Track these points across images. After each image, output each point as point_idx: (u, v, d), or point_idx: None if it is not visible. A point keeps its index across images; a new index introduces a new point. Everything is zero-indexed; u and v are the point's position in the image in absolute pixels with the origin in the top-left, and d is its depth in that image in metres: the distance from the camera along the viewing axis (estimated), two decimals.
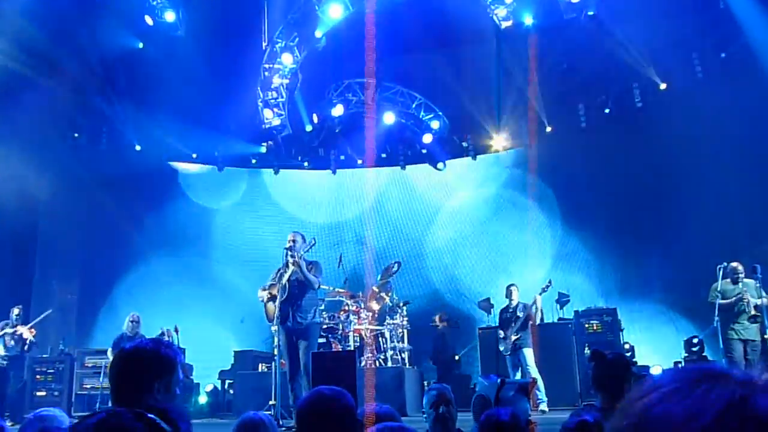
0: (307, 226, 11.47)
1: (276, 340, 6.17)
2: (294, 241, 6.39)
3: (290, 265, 6.23)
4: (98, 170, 11.30)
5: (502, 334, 8.06)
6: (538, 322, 8.04)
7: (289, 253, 6.26)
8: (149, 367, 1.93)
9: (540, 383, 7.51)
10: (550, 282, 8.10)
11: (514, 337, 7.91)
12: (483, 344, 9.44)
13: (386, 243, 12.64)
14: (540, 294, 7.99)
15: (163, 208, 12.15)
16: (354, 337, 8.72)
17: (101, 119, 11.43)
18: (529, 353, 7.82)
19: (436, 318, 10.62)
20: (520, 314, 8.01)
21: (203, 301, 12.10)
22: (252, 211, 13.01)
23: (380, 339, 8.99)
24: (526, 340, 7.90)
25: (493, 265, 12.01)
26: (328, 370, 5.30)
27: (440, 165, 12.67)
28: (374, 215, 12.94)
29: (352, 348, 8.22)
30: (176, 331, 9.49)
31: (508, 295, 8.22)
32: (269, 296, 6.40)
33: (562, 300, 9.51)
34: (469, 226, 12.49)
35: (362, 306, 9.46)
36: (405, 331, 9.42)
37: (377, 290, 9.63)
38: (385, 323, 9.12)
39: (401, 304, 9.56)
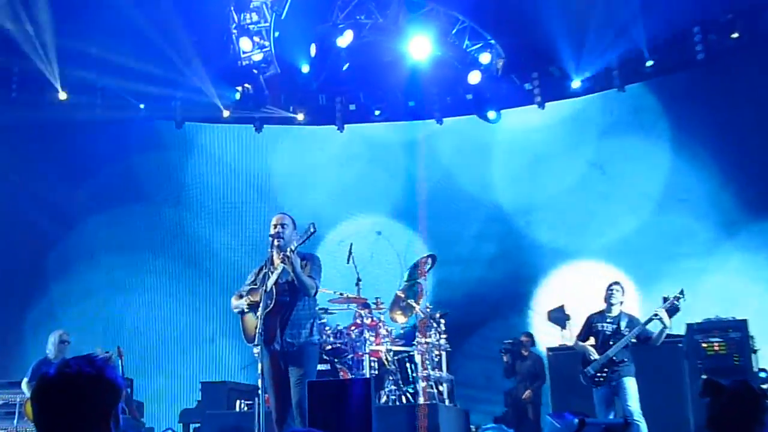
0: (302, 207, 11.62)
1: (260, 366, 6.20)
2: (282, 226, 6.42)
3: (277, 261, 6.30)
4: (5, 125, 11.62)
5: (592, 354, 8.02)
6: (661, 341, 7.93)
7: (276, 244, 6.31)
8: (94, 396, 1.97)
9: (643, 428, 7.50)
10: (681, 292, 7.92)
11: (614, 360, 7.87)
12: (555, 370, 9.55)
13: (416, 229, 12.82)
14: (666, 308, 7.90)
15: (99, 181, 12.44)
16: (371, 362, 8.88)
17: (11, 54, 11.53)
18: (632, 386, 7.77)
19: (525, 338, 10.89)
20: (624, 329, 7.95)
21: (158, 313, 12.45)
22: (223, 185, 13.25)
23: (408, 365, 9.12)
24: (630, 367, 7.89)
25: (566, 253, 12.25)
26: (332, 408, 5.38)
27: (492, 115, 12.62)
28: (398, 189, 13.12)
29: (367, 376, 8.39)
30: (120, 355, 9.66)
31: (609, 298, 8.14)
32: (248, 305, 6.51)
33: (670, 307, 9.45)
34: (538, 199, 12.67)
35: (381, 319, 9.57)
36: (443, 353, 9.49)
37: (403, 296, 9.70)
38: (415, 342, 9.21)
39: (438, 316, 9.57)
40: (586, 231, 12.20)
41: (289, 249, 6.22)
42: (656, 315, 7.80)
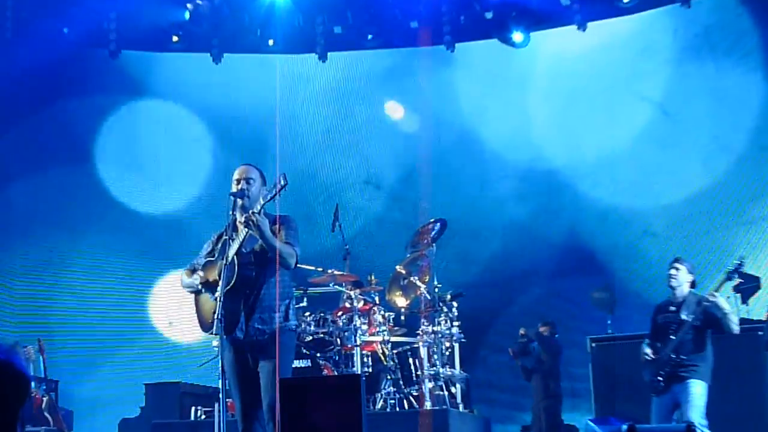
0: (271, 159, 11.62)
1: (220, 363, 6.14)
2: (248, 181, 6.31)
3: (241, 225, 6.22)
4: None
5: (648, 353, 7.97)
6: (736, 329, 7.80)
7: (240, 204, 6.24)
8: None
9: None
10: (741, 261, 7.96)
11: (674, 359, 7.83)
12: (598, 367, 9.59)
13: (421, 189, 12.84)
14: (721, 286, 7.87)
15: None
16: (364, 356, 8.98)
17: None
18: (698, 393, 7.71)
19: (542, 329, 11.03)
20: (686, 317, 7.89)
21: (93, 299, 12.58)
22: (173, 133, 13.30)
23: (411, 361, 9.22)
24: (700, 368, 7.79)
25: (617, 218, 12.22)
26: (312, 414, 5.29)
27: (518, 38, 12.48)
28: (398, 137, 13.26)
29: (359, 373, 8.51)
30: (41, 349, 9.61)
31: (668, 280, 8.11)
32: (203, 282, 6.45)
33: (746, 287, 9.43)
34: (579, 150, 12.68)
35: (376, 302, 9.60)
36: (455, 345, 9.49)
37: (404, 272, 9.70)
38: (420, 332, 9.29)
39: (449, 298, 9.62)
40: (644, 189, 12.24)
41: (254, 208, 6.11)
42: (706, 300, 7.74)
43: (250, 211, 6.11)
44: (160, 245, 12.86)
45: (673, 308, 7.99)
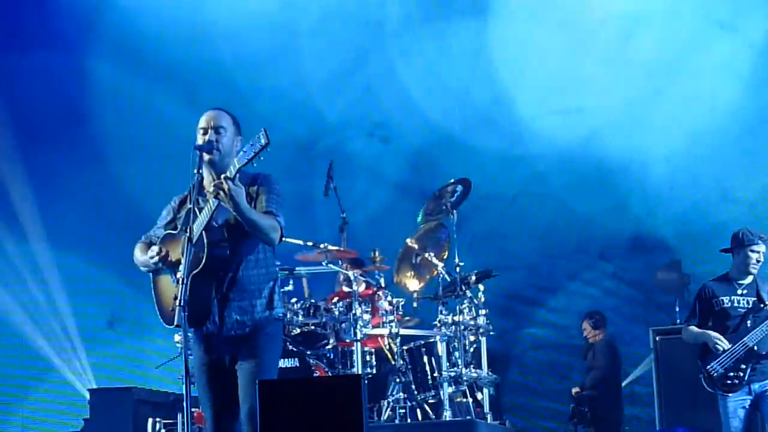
0: (250, 98, 11.70)
1: (185, 365, 6.15)
2: (217, 130, 6.27)
3: (210, 191, 6.22)
4: None
5: (720, 343, 8.02)
6: None
7: (207, 159, 6.21)
8: None
9: None
10: None
11: (756, 351, 7.92)
12: (663, 365, 9.64)
13: (437, 138, 12.88)
14: None
15: None
16: (366, 353, 9.07)
17: None
18: None
19: (586, 325, 11.12)
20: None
21: (25, 284, 13.00)
22: (117, 68, 13.45)
23: (426, 359, 9.27)
24: None
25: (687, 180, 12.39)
26: (299, 424, 5.41)
27: None
28: (409, 70, 13.23)
29: (359, 374, 8.42)
30: None
31: (744, 260, 8.16)
32: (163, 259, 6.47)
33: None
34: (635, 91, 12.73)
35: (382, 285, 9.61)
36: (482, 340, 9.56)
37: (417, 246, 9.74)
38: (437, 323, 9.34)
39: (473, 279, 9.65)
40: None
41: (228, 172, 6.07)
42: None
43: (222, 176, 6.06)
44: (109, 219, 13.01)
45: (742, 291, 8.07)
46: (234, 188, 5.96)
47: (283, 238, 6.43)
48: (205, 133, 6.31)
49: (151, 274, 6.54)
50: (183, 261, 6.05)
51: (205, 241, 6.11)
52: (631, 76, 12.77)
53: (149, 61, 13.66)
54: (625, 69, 12.78)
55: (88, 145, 13.68)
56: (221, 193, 5.97)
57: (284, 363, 8.71)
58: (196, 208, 6.19)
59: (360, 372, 8.73)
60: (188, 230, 6.09)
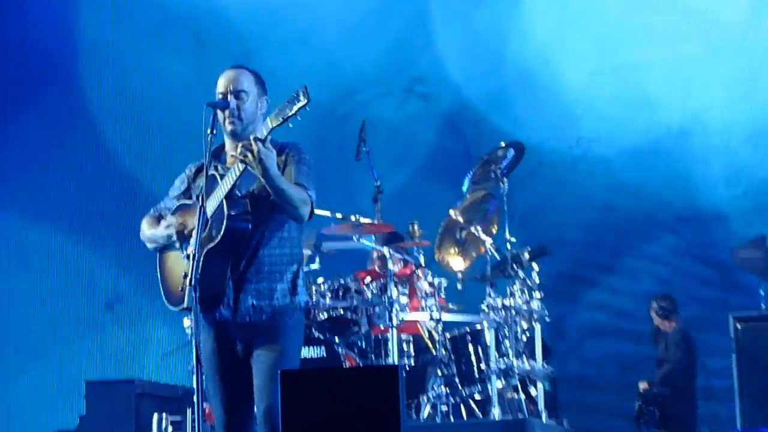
0: (278, 59, 11.54)
1: (195, 352, 6.10)
2: (238, 95, 6.31)
3: (232, 157, 6.21)
4: None
5: None
6: None
7: (229, 126, 6.21)
8: None
9: None
10: None
11: None
12: (746, 356, 9.60)
13: (477, 97, 12.95)
14: None
15: None
16: (403, 342, 9.14)
17: None
18: None
19: (654, 312, 11.09)
20: None
21: (20, 267, 13.19)
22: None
23: (471, 349, 9.34)
24: None
25: None
26: (326, 422, 5.42)
27: None
28: (443, 12, 13.28)
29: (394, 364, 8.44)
30: None
31: None
32: (175, 233, 6.38)
33: None
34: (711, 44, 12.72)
35: (422, 263, 9.66)
36: (536, 327, 9.55)
37: (462, 219, 9.73)
38: (485, 307, 9.36)
39: (527, 256, 9.66)
40: None
41: (257, 133, 5.99)
42: None
43: (251, 138, 5.99)
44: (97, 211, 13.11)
45: None
46: (264, 151, 5.93)
47: (313, 215, 6.42)
48: (223, 95, 6.28)
49: (157, 251, 6.56)
50: (195, 234, 5.98)
51: (225, 212, 6.11)
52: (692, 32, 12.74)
53: (142, 8, 13.71)
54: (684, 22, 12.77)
55: (73, 108, 13.73)
56: (249, 156, 5.93)
57: (308, 352, 8.77)
58: (217, 174, 6.19)
59: (396, 362, 8.71)
60: (203, 202, 6.03)
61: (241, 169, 6.03)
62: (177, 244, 6.35)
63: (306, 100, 5.84)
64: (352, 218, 9.33)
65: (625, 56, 12.97)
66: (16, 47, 13.62)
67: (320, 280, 9.31)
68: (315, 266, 9.56)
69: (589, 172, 12.82)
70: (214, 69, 6.73)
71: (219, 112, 6.21)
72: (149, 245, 6.53)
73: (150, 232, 6.47)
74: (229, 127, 6.21)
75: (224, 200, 6.10)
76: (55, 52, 13.72)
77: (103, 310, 13.07)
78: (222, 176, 6.15)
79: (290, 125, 5.94)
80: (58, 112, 13.61)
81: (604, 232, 12.69)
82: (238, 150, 5.95)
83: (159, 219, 6.49)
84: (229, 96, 6.24)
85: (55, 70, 13.75)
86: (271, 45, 13.14)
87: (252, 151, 5.89)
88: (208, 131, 6.12)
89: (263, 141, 5.94)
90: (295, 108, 5.88)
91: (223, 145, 6.30)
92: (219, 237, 6.09)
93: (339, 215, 9.34)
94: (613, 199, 12.79)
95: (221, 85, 6.31)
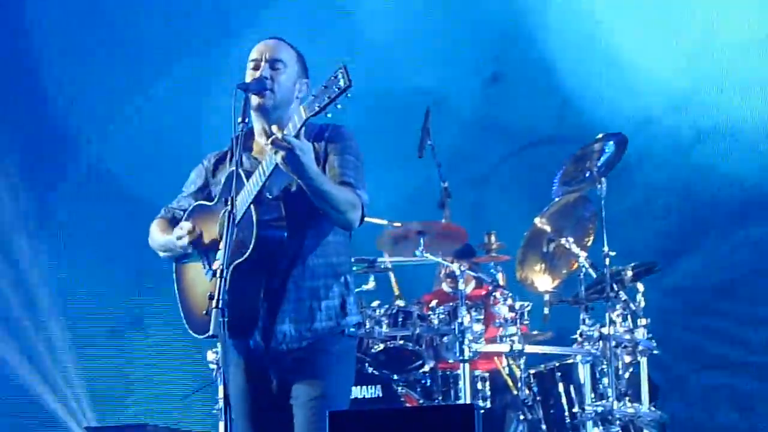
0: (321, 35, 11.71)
1: (221, 390, 6.09)
2: (273, 65, 6.29)
3: (261, 145, 6.26)
4: None
5: None
6: None
7: (255, 102, 6.23)
8: None
9: None
10: None
11: None
12: None
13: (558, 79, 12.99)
14: None
15: None
16: (478, 379, 9.19)
17: None
18: None
19: None
20: None
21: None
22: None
23: (562, 388, 9.47)
24: None
25: None
26: None
27: None
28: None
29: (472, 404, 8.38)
30: None
31: None
32: (192, 242, 6.39)
33: None
34: None
35: (501, 283, 9.73)
36: (642, 361, 9.49)
37: (550, 229, 9.71)
38: (578, 337, 9.37)
39: (629, 276, 9.58)
40: None
41: (290, 124, 5.99)
42: None
43: (283, 131, 5.98)
44: (130, 201, 13.18)
45: None
46: (300, 146, 5.90)
47: (364, 221, 6.40)
48: (256, 68, 6.31)
49: (173, 262, 6.57)
50: (223, 245, 5.93)
51: (254, 218, 6.10)
52: None
53: None
54: None
55: (35, 94, 13.99)
56: (281, 153, 5.93)
57: (360, 392, 8.82)
58: (240, 171, 6.17)
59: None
60: (230, 202, 6.00)
61: (272, 166, 6.04)
62: (198, 257, 6.40)
63: (347, 84, 5.80)
64: (415, 225, 9.34)
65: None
66: None
67: (375, 303, 9.31)
68: (368, 286, 9.53)
69: (706, 169, 12.74)
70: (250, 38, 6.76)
71: (253, 97, 6.25)
72: (161, 254, 6.58)
73: (162, 238, 6.51)
74: (256, 101, 6.23)
75: (252, 204, 6.13)
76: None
77: (107, 337, 13.14)
78: (248, 173, 6.15)
79: (328, 115, 5.91)
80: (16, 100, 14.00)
81: (720, 244, 12.60)
82: (268, 145, 5.97)
83: (173, 221, 6.53)
84: (263, 64, 6.29)
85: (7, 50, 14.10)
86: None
87: (284, 147, 5.88)
88: (239, 120, 6.15)
89: (297, 134, 5.94)
90: (333, 94, 5.86)
91: (251, 130, 6.32)
92: (249, 249, 6.08)
93: (397, 224, 9.34)
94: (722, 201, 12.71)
95: (255, 51, 6.40)
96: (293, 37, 6.52)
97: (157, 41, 14.04)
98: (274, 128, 5.89)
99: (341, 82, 5.78)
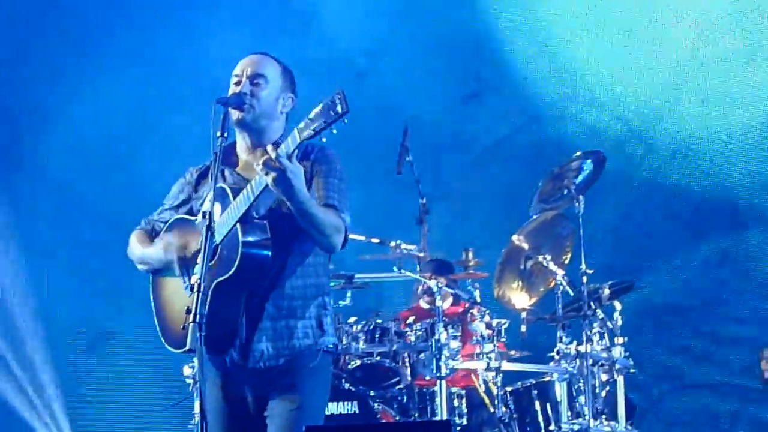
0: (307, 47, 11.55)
1: (197, 405, 6.07)
2: (254, 80, 6.27)
3: (257, 171, 6.08)
4: None
5: None
6: None
7: (235, 117, 6.22)
8: None
9: None
10: None
11: None
12: None
13: (546, 90, 12.96)
14: None
15: None
16: (454, 396, 9.19)
17: None
18: None
19: (764, 357, 10.96)
20: None
21: None
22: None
23: (538, 406, 9.41)
24: None
25: None
26: None
27: None
28: None
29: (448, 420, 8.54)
30: None
31: None
32: (175, 259, 6.43)
33: None
34: None
35: (477, 300, 9.72)
36: (619, 380, 9.47)
37: (527, 246, 9.69)
38: (555, 355, 9.40)
39: (606, 294, 9.57)
40: None
41: (283, 144, 5.94)
42: None
43: (273, 153, 5.92)
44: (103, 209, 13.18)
45: None
46: (292, 168, 5.89)
47: (348, 240, 6.39)
48: (237, 84, 6.31)
49: (150, 274, 6.56)
50: (200, 259, 5.86)
51: (240, 237, 6.11)
52: None
53: None
54: None
55: None
56: (272, 174, 5.91)
57: (336, 408, 8.83)
58: (226, 187, 6.19)
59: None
60: (208, 216, 5.90)
61: (261, 187, 6.01)
62: (177, 271, 6.34)
63: (345, 110, 5.79)
64: (392, 244, 9.33)
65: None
66: None
67: (352, 319, 9.30)
68: (346, 302, 9.52)
69: (681, 181, 12.78)
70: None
71: (232, 112, 6.23)
72: (140, 266, 6.54)
73: (141, 251, 6.50)
74: (235, 115, 6.21)
75: (238, 226, 6.10)
76: None
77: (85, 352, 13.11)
78: (234, 189, 6.14)
79: (323, 139, 5.89)
80: None
81: (700, 259, 12.60)
82: (259, 167, 5.93)
83: (152, 234, 6.54)
84: (244, 80, 6.29)
85: None
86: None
87: (275, 168, 5.85)
88: (218, 134, 6.11)
89: (291, 154, 5.91)
90: (330, 119, 5.84)
91: (233, 144, 6.31)
92: (233, 268, 6.07)
93: (375, 240, 9.34)
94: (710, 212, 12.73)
95: (238, 67, 6.41)
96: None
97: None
98: (269, 148, 5.85)
99: (339, 108, 5.77)
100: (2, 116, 13.84)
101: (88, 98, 13.77)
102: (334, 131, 5.84)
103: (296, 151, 5.93)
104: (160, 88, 13.29)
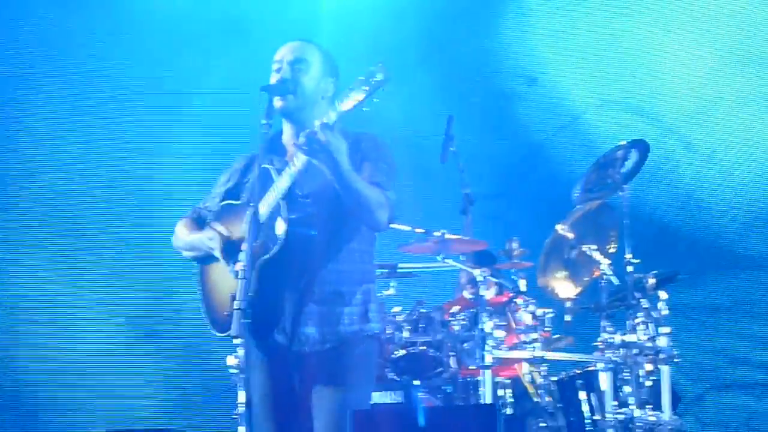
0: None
1: (240, 393, 6.11)
2: (294, 65, 6.36)
3: (292, 148, 6.29)
4: None
5: None
6: None
7: (279, 105, 6.25)
8: None
9: None
10: None
11: None
12: None
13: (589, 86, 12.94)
14: None
15: None
16: (498, 386, 9.17)
17: None
18: None
19: None
20: None
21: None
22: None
23: (582, 395, 9.45)
24: None
25: None
26: None
27: None
28: None
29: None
30: None
31: None
32: (221, 242, 6.43)
33: None
34: None
35: (522, 289, 9.70)
36: (664, 370, 9.36)
37: (571, 236, 9.69)
38: (600, 344, 9.31)
39: (650, 284, 9.45)
40: None
41: (324, 118, 5.98)
42: None
43: (316, 124, 5.97)
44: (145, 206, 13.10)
45: None
46: (334, 140, 5.91)
47: (393, 222, 6.41)
48: (278, 70, 6.33)
49: (197, 262, 6.63)
50: (247, 243, 5.89)
51: (284, 215, 6.13)
52: None
53: None
54: None
55: None
56: (315, 147, 5.92)
57: (381, 397, 8.83)
58: (272, 169, 6.23)
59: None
60: (257, 202, 6.05)
61: (302, 162, 6.03)
62: (222, 257, 6.35)
63: (384, 77, 5.82)
64: (436, 234, 9.31)
65: None
66: None
67: (396, 309, 9.34)
68: (389, 292, 9.56)
69: (728, 172, 12.74)
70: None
71: (275, 99, 6.26)
72: (186, 253, 6.65)
73: (189, 238, 6.58)
74: (278, 103, 6.23)
75: (281, 201, 6.13)
76: None
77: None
78: (279, 171, 6.16)
79: (365, 108, 5.90)
80: None
81: (754, 250, 12.59)
82: (300, 138, 5.97)
83: (199, 221, 6.61)
84: (285, 66, 6.34)
85: None
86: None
87: (320, 140, 5.87)
88: (263, 120, 6.15)
89: (331, 128, 5.92)
90: (370, 88, 5.85)
91: (280, 133, 6.33)
92: (276, 246, 6.10)
93: (420, 230, 9.33)
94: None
95: (278, 54, 6.46)
96: None
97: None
98: (315, 122, 5.90)
99: (378, 76, 5.82)
100: None
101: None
102: (376, 100, 5.87)
103: (334, 123, 5.93)
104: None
